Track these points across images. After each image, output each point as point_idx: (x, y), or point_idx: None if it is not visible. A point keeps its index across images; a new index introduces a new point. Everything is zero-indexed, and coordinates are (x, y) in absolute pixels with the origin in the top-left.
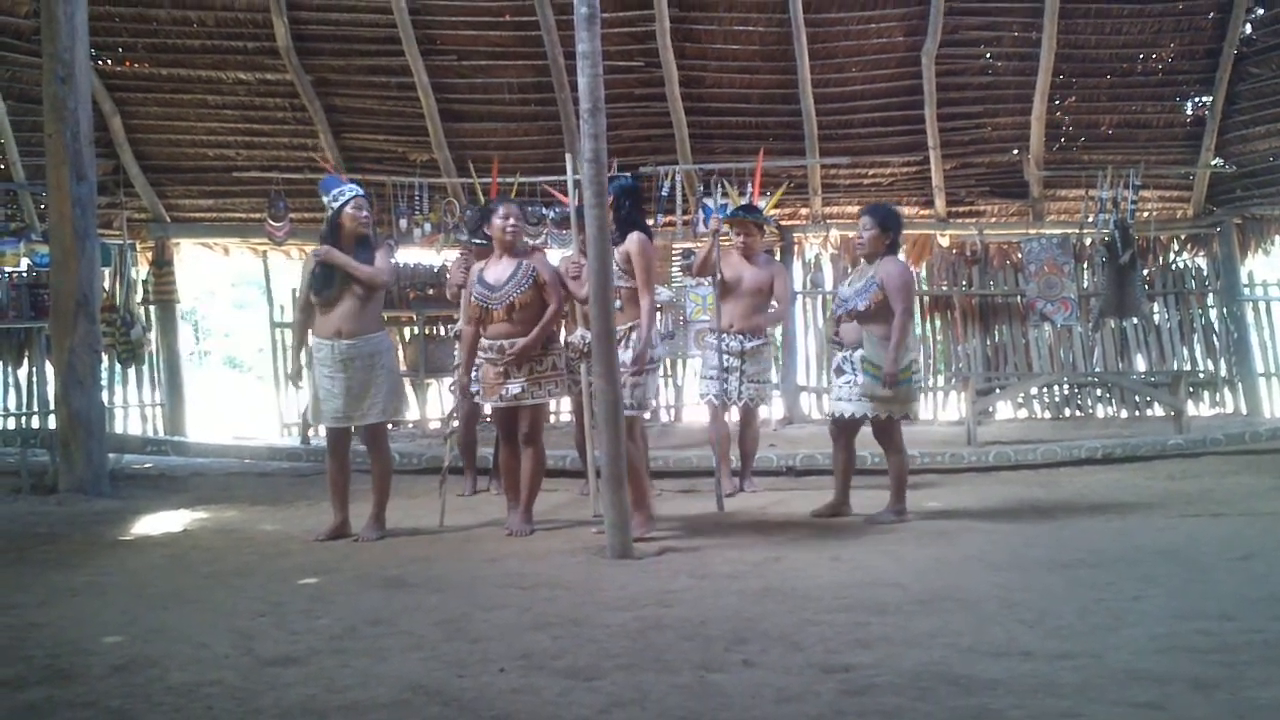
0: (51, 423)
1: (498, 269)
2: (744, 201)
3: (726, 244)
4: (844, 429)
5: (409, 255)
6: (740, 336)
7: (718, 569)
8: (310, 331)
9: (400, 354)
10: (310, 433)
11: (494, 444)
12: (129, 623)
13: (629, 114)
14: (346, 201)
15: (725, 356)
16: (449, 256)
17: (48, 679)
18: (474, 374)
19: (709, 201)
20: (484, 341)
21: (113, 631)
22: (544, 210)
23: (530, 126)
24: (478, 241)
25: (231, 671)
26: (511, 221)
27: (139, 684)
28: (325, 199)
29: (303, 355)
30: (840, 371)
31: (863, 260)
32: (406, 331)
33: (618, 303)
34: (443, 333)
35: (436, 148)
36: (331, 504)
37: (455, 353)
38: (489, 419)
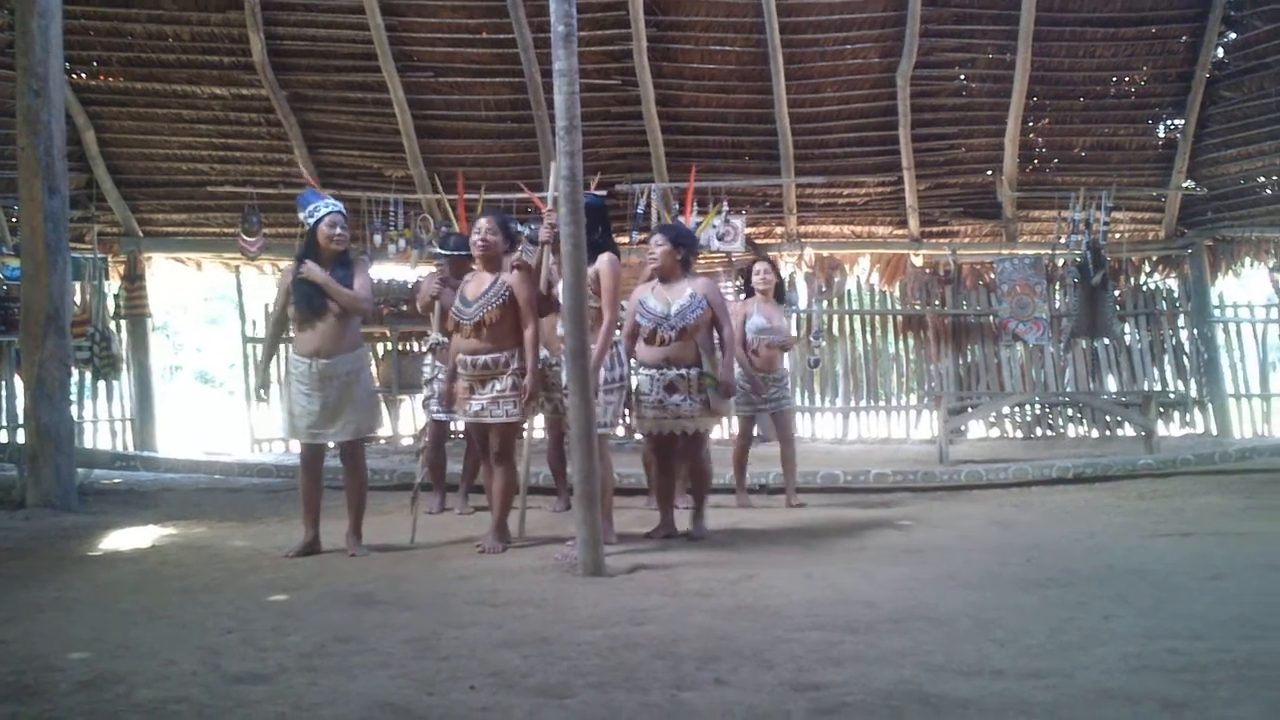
0: (20, 437)
1: (477, 283)
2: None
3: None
4: (668, 448)
5: (383, 271)
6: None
7: (690, 586)
8: (288, 347)
9: (374, 369)
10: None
11: (463, 459)
12: (96, 639)
13: (605, 132)
14: (321, 218)
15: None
16: (423, 272)
17: (12, 695)
18: (435, 389)
19: (714, 220)
20: (458, 356)
21: (79, 648)
22: (520, 228)
23: (506, 143)
24: (444, 253)
25: (199, 688)
26: (483, 235)
27: (105, 701)
28: (302, 214)
29: (273, 368)
30: (674, 389)
31: (657, 280)
32: (380, 347)
33: None
34: (416, 348)
35: (412, 164)
36: (303, 520)
37: (425, 368)
38: (457, 435)
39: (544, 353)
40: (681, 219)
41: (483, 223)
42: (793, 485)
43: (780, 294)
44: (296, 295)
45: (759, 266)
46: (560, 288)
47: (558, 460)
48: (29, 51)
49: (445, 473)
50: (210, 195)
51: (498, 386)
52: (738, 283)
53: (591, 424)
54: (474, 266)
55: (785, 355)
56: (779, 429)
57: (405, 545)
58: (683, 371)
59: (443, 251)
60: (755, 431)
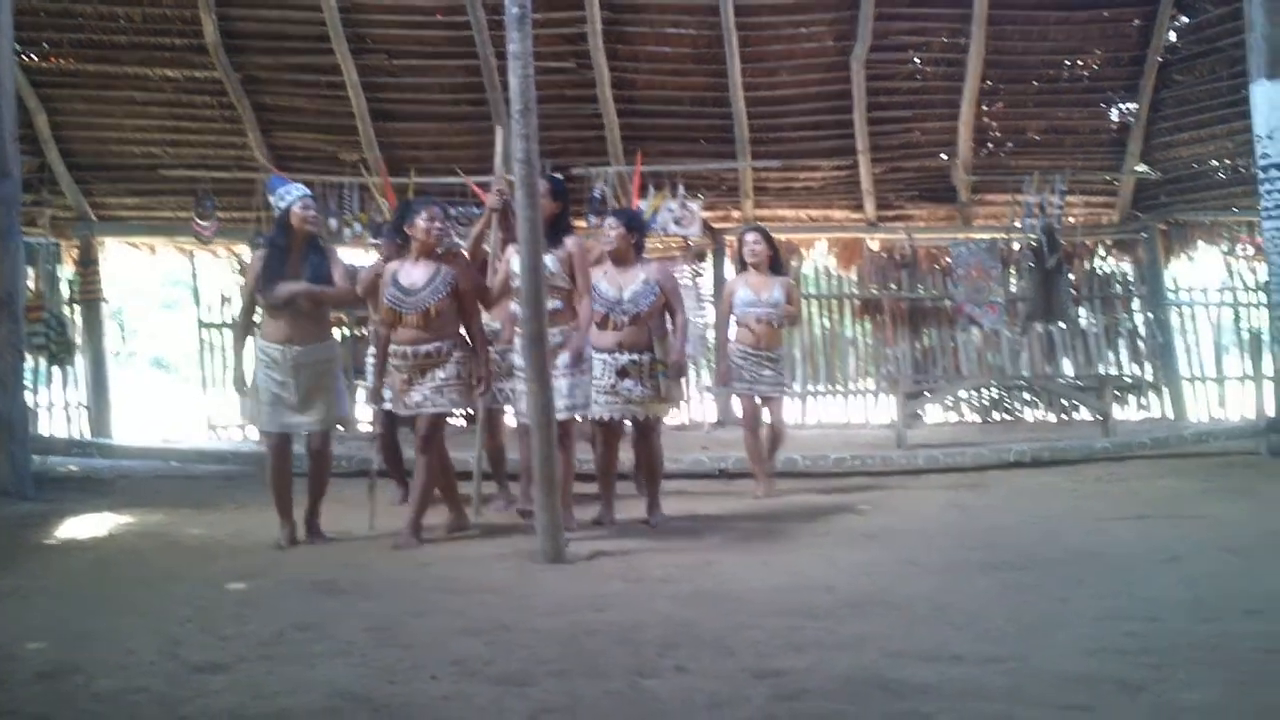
0: None
1: (414, 272)
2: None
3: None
4: (617, 433)
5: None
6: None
7: (650, 573)
8: (258, 335)
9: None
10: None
11: (385, 452)
12: (53, 628)
13: (560, 115)
14: (294, 201)
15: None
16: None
17: None
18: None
19: (660, 205)
20: (393, 348)
21: (36, 637)
22: (476, 210)
23: (461, 126)
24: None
25: (158, 678)
26: (437, 224)
27: (63, 691)
28: (271, 199)
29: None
30: (625, 374)
31: (609, 264)
32: (336, 333)
33: (556, 303)
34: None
35: (367, 147)
36: (278, 511)
37: (370, 356)
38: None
39: (486, 320)
40: (629, 203)
41: (432, 210)
42: (770, 472)
43: (776, 265)
44: (265, 283)
45: (749, 237)
46: (507, 270)
47: (496, 450)
48: None
49: (401, 459)
50: (164, 179)
51: (440, 375)
52: (695, 266)
53: (550, 409)
54: (400, 255)
55: (783, 334)
56: (770, 413)
57: (364, 534)
58: (635, 357)
59: (377, 240)
60: (714, 418)
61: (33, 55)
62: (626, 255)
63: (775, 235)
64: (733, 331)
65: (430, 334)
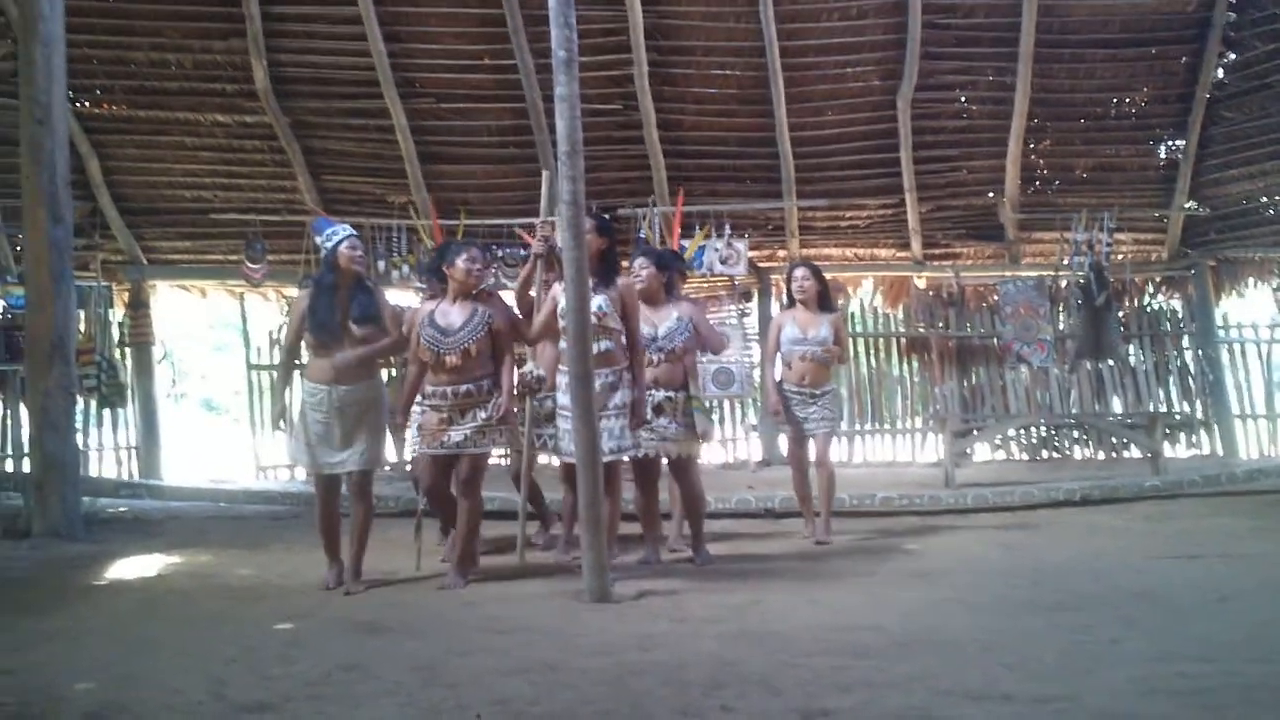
0: (26, 466)
1: (451, 312)
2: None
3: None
4: (653, 471)
5: (389, 297)
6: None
7: (696, 613)
8: (303, 375)
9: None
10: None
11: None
12: (101, 668)
13: (607, 156)
14: (341, 241)
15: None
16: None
17: None
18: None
19: (702, 243)
20: (429, 388)
21: (85, 677)
22: (523, 251)
23: (509, 169)
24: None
25: (205, 718)
26: (477, 266)
27: None
28: (318, 239)
29: (286, 396)
30: (660, 411)
31: (642, 302)
32: (384, 373)
33: (608, 344)
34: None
35: (415, 190)
36: (326, 552)
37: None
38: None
39: (531, 366)
40: (671, 242)
41: (473, 253)
42: (826, 519)
43: (825, 302)
44: (313, 322)
45: (797, 272)
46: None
47: (537, 492)
48: (32, 81)
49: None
50: (214, 222)
51: (481, 415)
52: (741, 305)
53: (595, 449)
54: (439, 295)
55: (832, 371)
56: (816, 452)
57: (411, 574)
58: (670, 394)
59: (420, 281)
60: (760, 457)
61: (86, 102)
62: (657, 294)
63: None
64: (779, 369)
65: (470, 374)
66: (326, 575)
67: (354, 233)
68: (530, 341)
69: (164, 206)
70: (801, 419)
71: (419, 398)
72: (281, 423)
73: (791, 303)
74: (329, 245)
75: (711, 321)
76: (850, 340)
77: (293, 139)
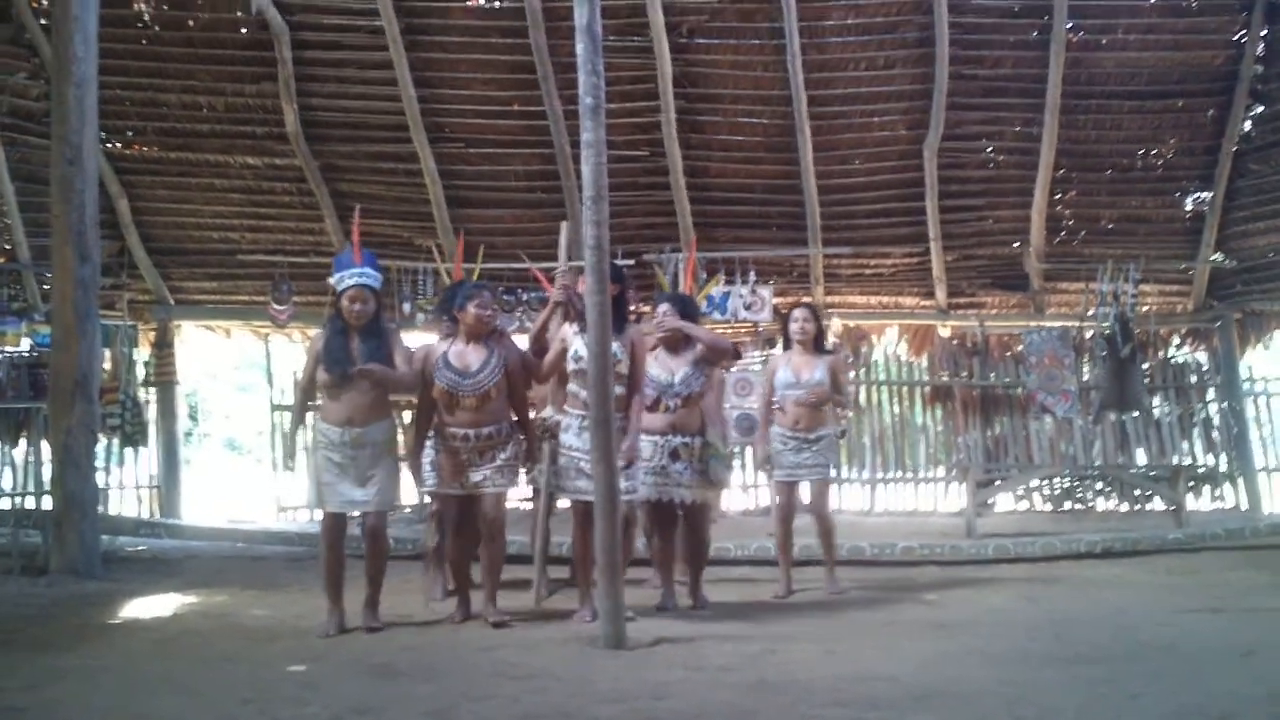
0: (47, 503)
1: (466, 354)
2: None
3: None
4: (669, 516)
5: (411, 339)
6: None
7: (712, 661)
8: (318, 416)
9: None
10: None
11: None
12: (115, 708)
13: (634, 202)
14: (344, 291)
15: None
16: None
17: None
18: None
19: (712, 290)
20: (448, 430)
21: (99, 716)
22: (545, 296)
23: (536, 213)
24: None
25: None
26: (489, 310)
27: None
28: (332, 280)
29: (299, 437)
30: (676, 456)
31: (661, 348)
32: (404, 415)
33: (619, 389)
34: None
35: (442, 233)
36: (328, 595)
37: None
38: None
39: (550, 412)
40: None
41: (485, 297)
42: (830, 569)
43: (820, 344)
44: (327, 362)
45: (796, 314)
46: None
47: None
48: (64, 121)
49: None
50: (241, 264)
51: (501, 456)
52: (765, 351)
53: (615, 494)
54: (451, 335)
55: (828, 415)
56: (811, 500)
57: (424, 618)
58: (686, 440)
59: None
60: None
61: (117, 143)
62: (676, 340)
63: (846, 322)
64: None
65: (490, 416)
66: (326, 622)
67: (362, 282)
68: (540, 381)
69: (191, 247)
70: (794, 464)
71: (432, 436)
72: (289, 462)
73: (789, 345)
74: (339, 288)
75: (735, 371)
76: (870, 387)
77: (321, 182)
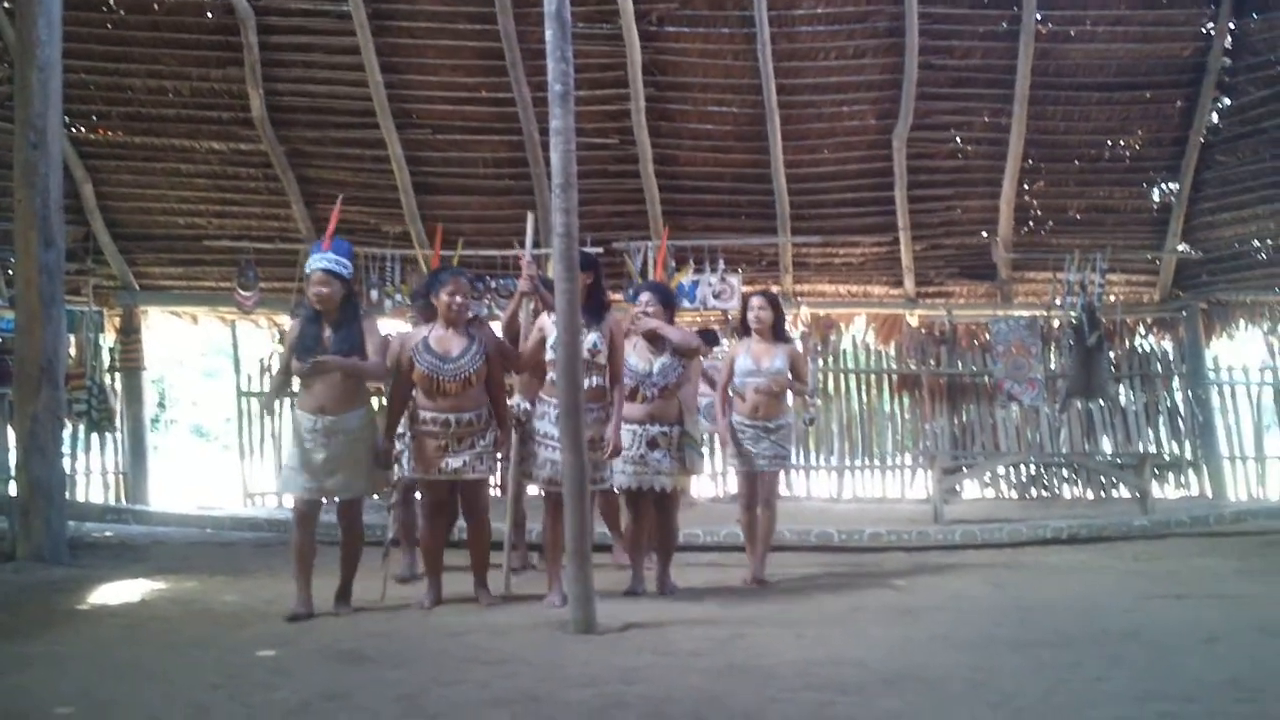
0: (13, 489)
1: (447, 339)
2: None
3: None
4: (645, 503)
5: (380, 325)
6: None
7: (681, 645)
8: (294, 402)
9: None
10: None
11: (400, 522)
12: (83, 694)
13: (603, 190)
14: (312, 273)
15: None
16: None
17: None
18: (403, 444)
19: (682, 279)
20: (427, 415)
21: (66, 702)
22: (516, 283)
23: (504, 200)
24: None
25: None
26: (459, 298)
27: None
28: (306, 267)
29: (281, 422)
30: (655, 445)
31: (639, 338)
32: (375, 401)
33: (599, 380)
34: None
35: (410, 220)
36: (297, 581)
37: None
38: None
39: (518, 400)
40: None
41: (456, 284)
42: (761, 558)
43: (779, 332)
44: (298, 350)
45: (754, 301)
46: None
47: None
48: (28, 104)
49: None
50: (207, 249)
51: (481, 442)
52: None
53: (585, 481)
54: (428, 321)
55: (786, 403)
56: (759, 488)
57: (393, 603)
58: (664, 429)
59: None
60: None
61: (81, 127)
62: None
63: (815, 310)
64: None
65: (471, 401)
66: (295, 605)
67: (329, 266)
68: (519, 370)
69: (157, 232)
70: (753, 455)
71: (408, 422)
72: (272, 407)
73: (747, 332)
74: (307, 270)
75: (705, 361)
76: (838, 375)
77: (287, 167)
